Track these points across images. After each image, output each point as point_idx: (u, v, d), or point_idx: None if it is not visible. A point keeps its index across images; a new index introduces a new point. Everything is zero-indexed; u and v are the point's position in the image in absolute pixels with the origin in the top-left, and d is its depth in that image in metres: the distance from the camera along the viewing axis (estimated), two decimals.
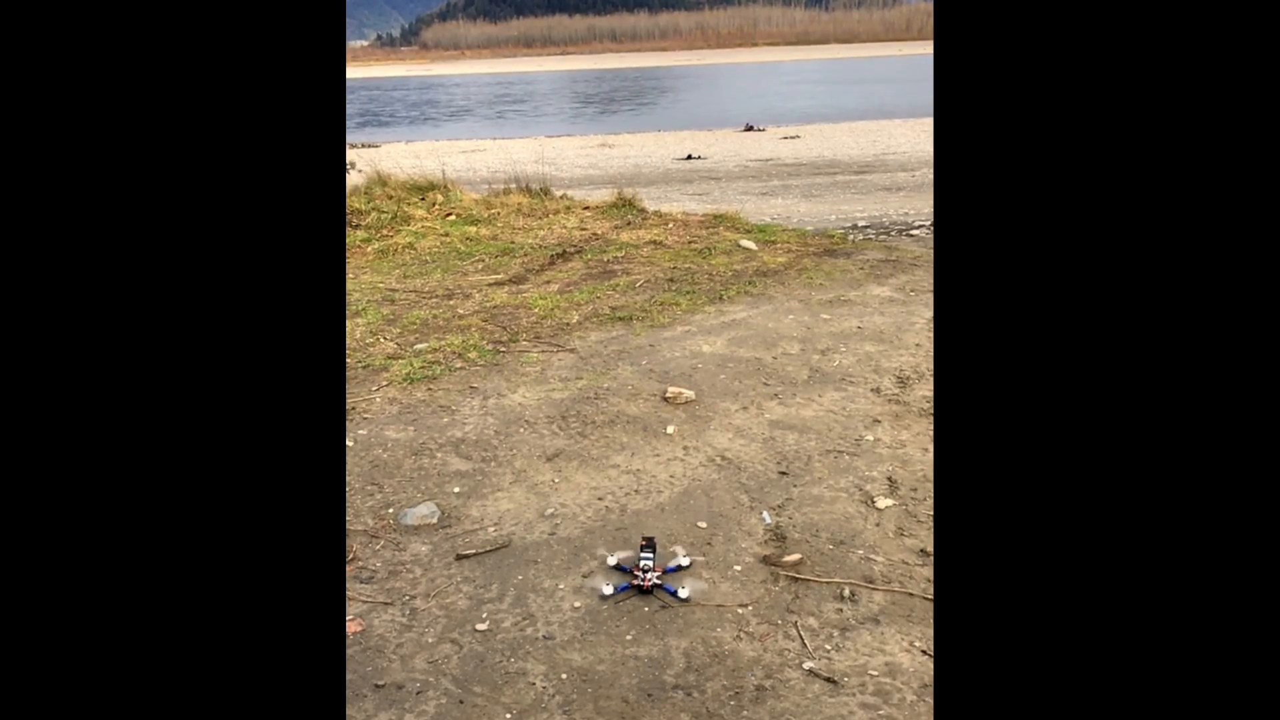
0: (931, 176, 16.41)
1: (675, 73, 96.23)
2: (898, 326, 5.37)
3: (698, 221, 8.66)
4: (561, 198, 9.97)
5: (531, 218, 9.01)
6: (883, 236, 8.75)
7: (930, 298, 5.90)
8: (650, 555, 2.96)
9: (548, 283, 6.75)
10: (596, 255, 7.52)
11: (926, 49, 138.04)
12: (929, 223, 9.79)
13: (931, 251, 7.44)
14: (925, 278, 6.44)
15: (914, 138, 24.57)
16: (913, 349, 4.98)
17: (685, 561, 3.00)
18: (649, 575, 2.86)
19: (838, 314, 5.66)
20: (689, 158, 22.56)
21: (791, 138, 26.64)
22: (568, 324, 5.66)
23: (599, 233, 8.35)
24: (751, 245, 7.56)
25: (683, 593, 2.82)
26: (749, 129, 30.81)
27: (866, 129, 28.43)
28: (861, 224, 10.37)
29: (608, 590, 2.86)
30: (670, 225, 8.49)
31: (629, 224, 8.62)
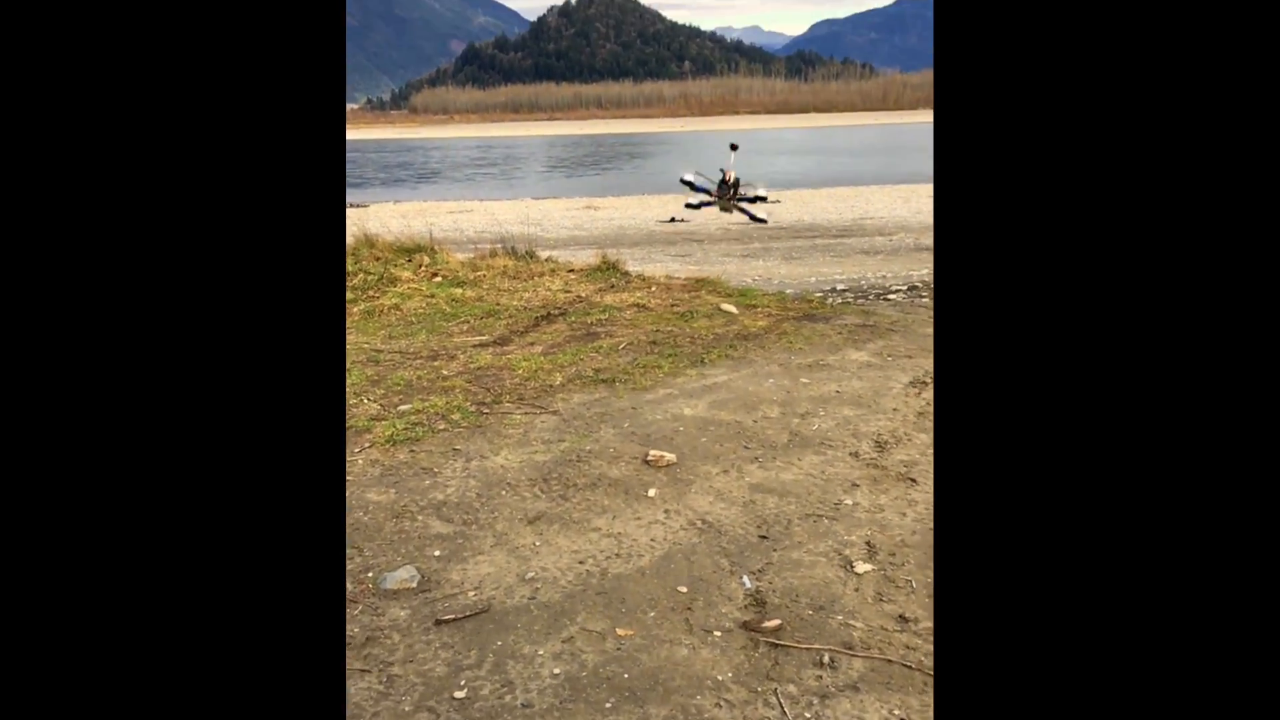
0: (908, 241, 16.72)
1: (660, 138, 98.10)
2: (875, 391, 5.43)
3: (680, 285, 8.77)
4: (547, 260, 10.09)
5: (517, 280, 9.10)
6: (860, 301, 8.89)
7: (907, 363, 5.99)
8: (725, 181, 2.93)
9: (532, 344, 6.79)
10: (580, 317, 7.59)
11: (902, 118, 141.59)
12: (905, 287, 9.96)
13: (907, 317, 7.56)
14: (902, 343, 6.54)
15: (890, 204, 25.05)
16: (890, 413, 5.03)
17: (763, 193, 3.00)
18: (730, 191, 2.82)
19: (817, 378, 5.72)
20: (672, 220, 22.88)
21: (772, 202, 27.15)
22: (551, 386, 5.68)
23: (583, 295, 8.43)
24: (733, 309, 7.66)
25: (760, 213, 2.79)
26: None
27: (845, 194, 28.97)
28: (840, 287, 10.52)
29: (693, 200, 2.82)
30: (653, 288, 8.60)
31: (612, 287, 8.73)
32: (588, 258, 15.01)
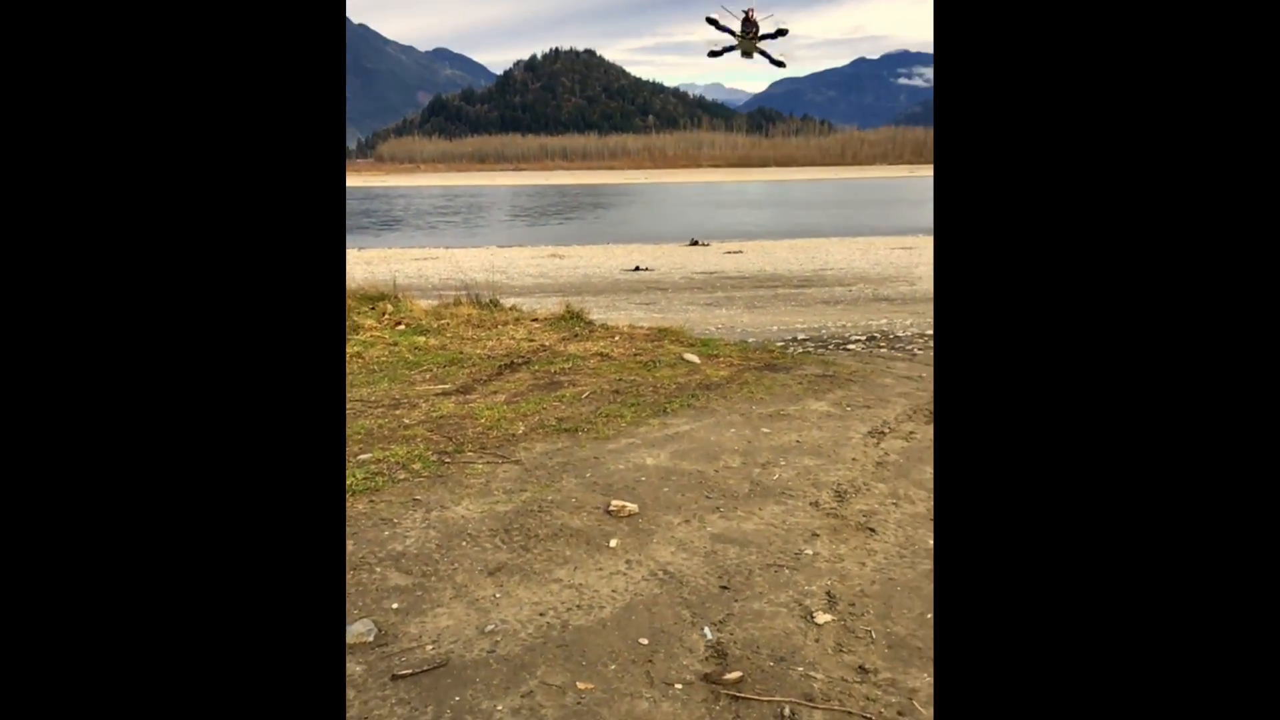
0: (867, 292, 17.04)
1: (624, 189, 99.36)
2: (835, 441, 5.49)
3: (643, 334, 8.83)
4: (511, 309, 10.11)
5: (481, 328, 9.10)
6: (821, 350, 9.01)
7: (866, 413, 6.06)
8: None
9: (495, 393, 6.77)
10: (544, 366, 7.59)
11: (859, 173, 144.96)
12: (864, 337, 10.12)
13: (866, 367, 7.68)
14: (861, 393, 6.63)
15: (849, 255, 25.54)
16: (849, 463, 5.08)
17: (785, 26, 3.00)
18: (753, 30, 2.85)
19: (777, 428, 5.77)
20: (637, 269, 23.11)
21: (735, 252, 27.52)
22: (514, 435, 5.66)
23: (547, 344, 8.45)
24: (695, 359, 7.72)
25: (776, 54, 2.79)
26: (694, 243, 31.76)
27: (805, 246, 29.50)
28: (801, 337, 10.66)
29: (716, 46, 2.82)
30: (616, 338, 8.64)
31: (576, 336, 8.75)
32: (552, 305, 15.07)
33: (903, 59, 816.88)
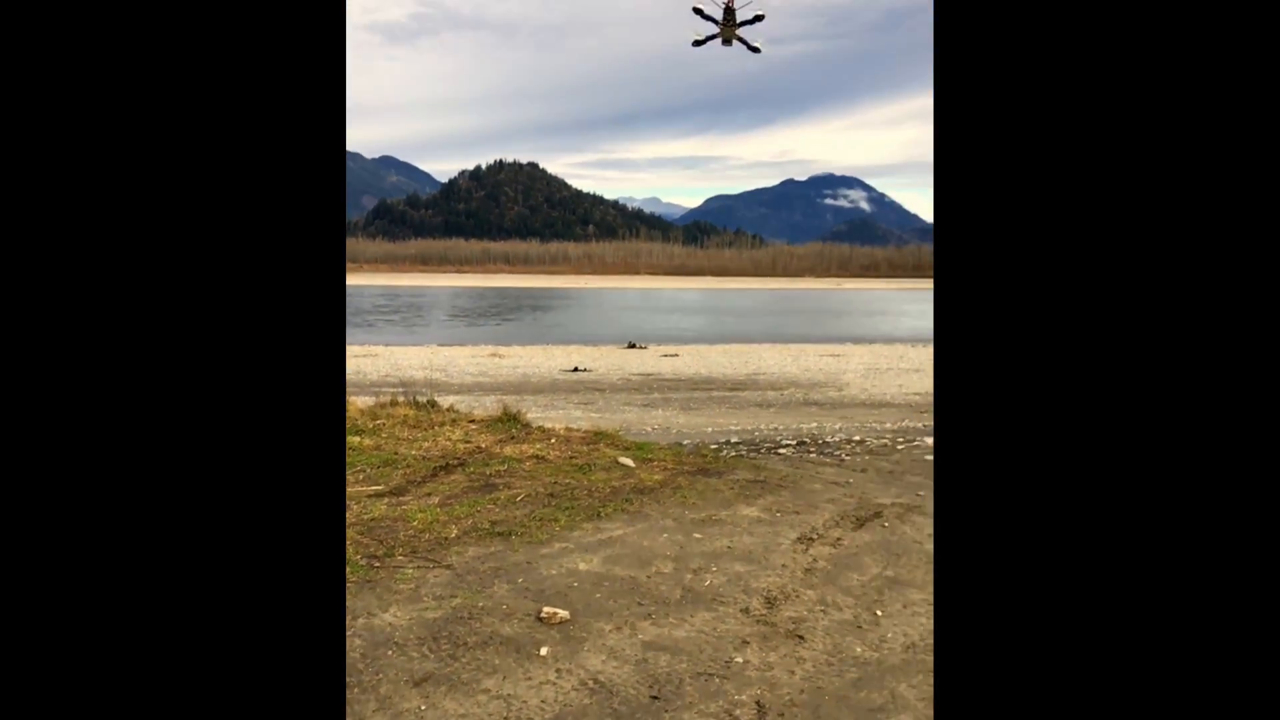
0: (797, 396, 17.35)
1: (565, 293, 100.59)
2: (765, 547, 5.48)
3: (579, 437, 8.79)
4: (448, 409, 9.99)
5: (417, 429, 8.95)
6: (753, 454, 9.07)
7: (795, 519, 6.09)
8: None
9: (429, 495, 6.61)
10: (479, 468, 7.47)
11: (789, 284, 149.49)
12: (795, 441, 10.24)
13: (797, 472, 7.75)
14: (791, 499, 6.67)
15: (781, 361, 26.09)
16: (779, 569, 5.07)
17: (760, 11, 3.19)
18: (732, 18, 3.06)
19: (709, 533, 5.74)
20: (576, 370, 23.19)
21: (671, 355, 27.89)
22: (446, 538, 5.51)
23: (483, 446, 8.34)
24: (630, 462, 7.70)
25: (756, 42, 3.07)
26: (632, 346, 32.12)
27: (739, 351, 30.06)
28: (734, 440, 10.74)
29: (700, 36, 2.97)
30: (553, 440, 8.58)
31: (513, 438, 8.67)
32: (491, 404, 14.93)
33: (828, 181, 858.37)
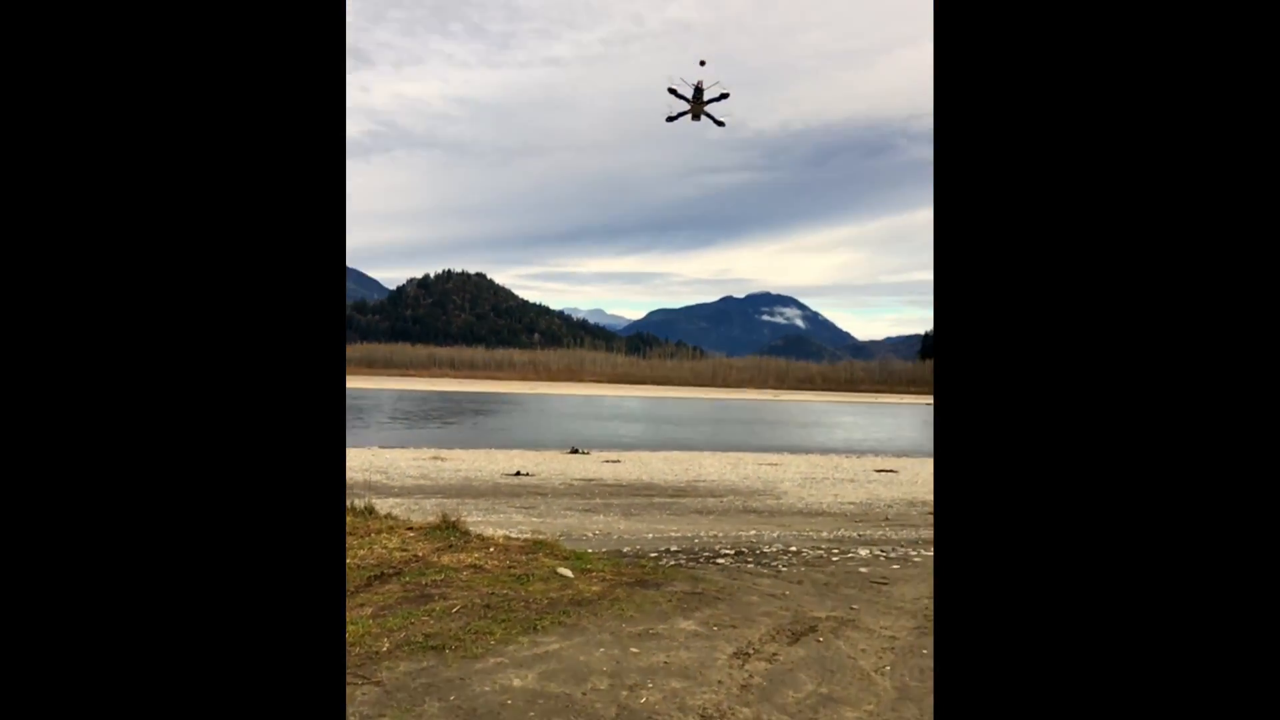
0: (737, 504, 17.28)
1: (509, 398, 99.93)
2: (702, 663, 5.34)
3: (518, 546, 8.57)
4: (386, 516, 9.68)
5: (353, 536, 8.62)
6: (692, 564, 8.94)
7: (732, 633, 5.96)
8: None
9: (361, 606, 6.32)
10: (415, 578, 7.19)
11: (728, 395, 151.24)
12: (733, 551, 10.12)
13: (734, 583, 7.64)
14: (728, 612, 6.55)
15: (721, 468, 26.08)
16: (715, 686, 4.92)
17: (726, 90, 3.56)
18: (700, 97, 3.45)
19: (646, 647, 5.58)
20: (518, 474, 22.77)
21: (613, 461, 27.65)
22: (377, 652, 5.24)
23: (420, 554, 8.06)
24: (568, 572, 7.51)
25: (721, 116, 3.35)
26: (574, 451, 31.82)
27: (680, 458, 30.00)
28: (673, 549, 10.57)
29: (673, 112, 3.22)
30: (491, 549, 8.35)
31: (451, 546, 8.41)
32: (432, 507, 14.52)
33: (765, 299, 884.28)
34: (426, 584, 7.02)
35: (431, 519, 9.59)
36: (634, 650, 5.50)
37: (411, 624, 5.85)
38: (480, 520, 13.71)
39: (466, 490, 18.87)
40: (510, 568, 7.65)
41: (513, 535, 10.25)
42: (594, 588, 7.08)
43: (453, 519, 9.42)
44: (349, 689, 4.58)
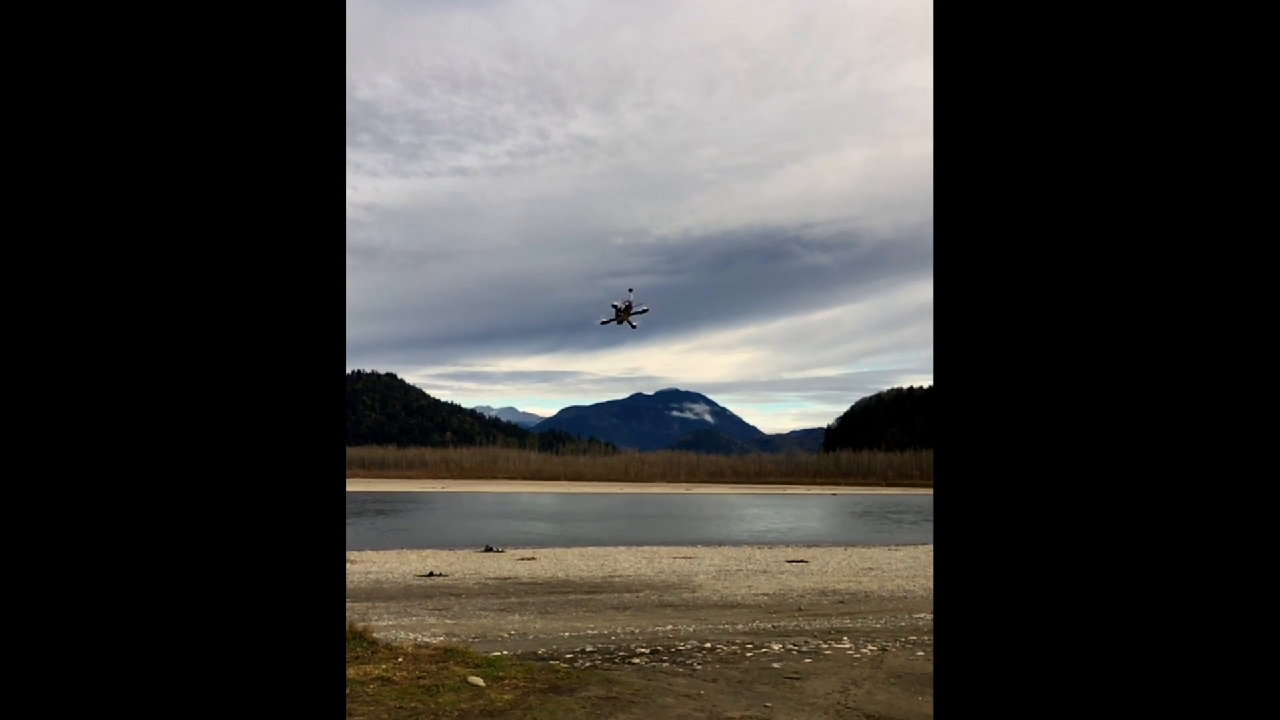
0: (653, 599, 16.93)
1: (421, 497, 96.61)
2: None
3: (428, 655, 8.11)
4: None
5: None
6: (607, 664, 8.64)
7: None
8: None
9: None
10: None
11: (642, 489, 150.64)
12: (649, 650, 9.84)
13: (649, 684, 7.39)
14: (643, 716, 6.32)
15: (636, 563, 25.64)
16: None
17: (645, 307, 6.52)
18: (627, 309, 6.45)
19: None
20: (431, 575, 21.81)
21: (528, 559, 26.85)
22: None
23: None
24: (480, 681, 7.13)
25: (637, 320, 6.76)
26: (489, 550, 30.79)
27: (595, 553, 29.41)
28: (589, 649, 10.20)
29: (603, 319, 5.87)
30: (400, 659, 7.87)
31: (357, 658, 7.88)
32: None
33: (674, 395, 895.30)
34: None
35: None
36: None
37: None
38: (392, 624, 12.97)
39: (377, 593, 17.92)
40: (419, 679, 7.21)
41: (425, 640, 9.72)
42: (506, 696, 6.73)
43: (360, 628, 8.88)
44: None
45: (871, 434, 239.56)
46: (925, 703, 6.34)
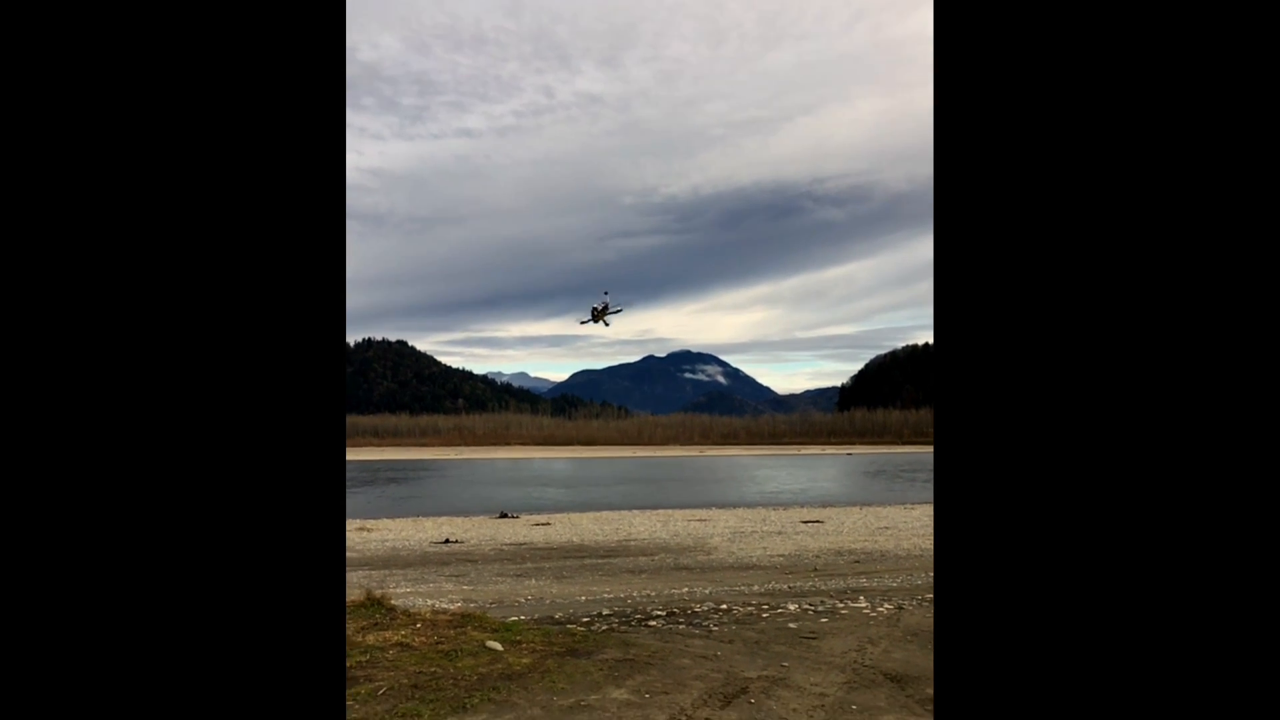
0: (668, 561, 17.11)
1: (435, 465, 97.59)
2: None
3: (446, 620, 8.24)
4: None
5: None
6: (623, 627, 8.74)
7: (664, 700, 5.81)
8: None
9: None
10: None
11: (654, 452, 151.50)
12: (665, 612, 9.97)
13: (666, 646, 7.49)
14: (660, 678, 6.40)
15: (651, 526, 25.87)
16: None
17: (619, 308, 8.09)
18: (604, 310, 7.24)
19: None
20: (447, 541, 22.09)
21: (543, 524, 27.14)
22: None
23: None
24: (498, 645, 7.24)
25: (611, 319, 7.66)
26: (504, 515, 31.13)
27: (610, 518, 29.68)
28: (605, 611, 10.33)
29: (585, 319, 7.07)
30: (419, 625, 8.00)
31: (376, 625, 8.02)
32: (359, 579, 13.89)
33: (686, 357, 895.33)
34: (351, 666, 6.65)
35: (356, 595, 9.16)
36: None
37: None
38: (409, 591, 13.18)
39: (394, 561, 18.18)
40: (438, 644, 7.32)
41: (441, 607, 9.87)
42: (524, 660, 6.83)
43: (378, 595, 9.02)
44: None
45: (887, 391, 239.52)
46: None
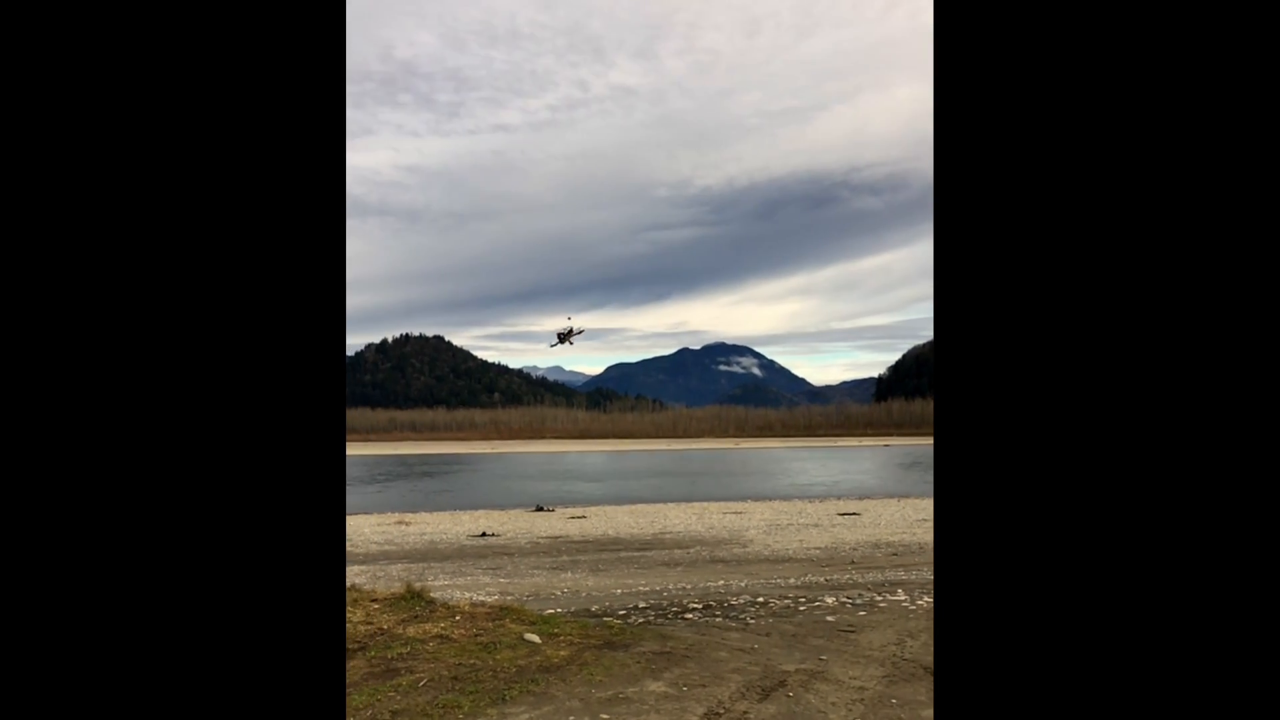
0: (703, 554, 17.14)
1: (472, 459, 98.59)
2: None
3: (485, 613, 8.36)
4: (350, 589, 9.39)
5: None
6: (660, 620, 8.80)
7: (702, 693, 5.85)
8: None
9: None
10: (380, 652, 6.96)
11: (689, 445, 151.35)
12: (701, 605, 10.01)
13: (703, 639, 7.53)
14: (697, 670, 6.44)
15: (686, 519, 25.90)
16: None
17: (582, 329, 9.82)
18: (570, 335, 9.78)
19: (616, 713, 5.44)
20: (484, 535, 22.34)
21: (579, 517, 27.31)
22: None
23: (385, 627, 7.81)
24: (535, 638, 7.33)
25: (575, 340, 8.97)
26: (539, 509, 31.37)
27: (645, 510, 29.75)
28: (641, 605, 10.41)
29: (554, 342, 8.89)
30: (458, 617, 8.13)
31: (416, 617, 8.17)
32: (398, 572, 14.13)
33: (720, 349, 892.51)
34: (392, 658, 6.79)
35: (396, 588, 9.33)
36: (604, 716, 5.36)
37: (378, 701, 5.64)
38: (447, 584, 13.38)
39: (432, 554, 18.46)
40: (477, 636, 7.44)
41: (480, 599, 10.01)
42: (562, 652, 6.92)
43: (418, 587, 9.18)
44: None
45: (925, 382, 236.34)
46: None
